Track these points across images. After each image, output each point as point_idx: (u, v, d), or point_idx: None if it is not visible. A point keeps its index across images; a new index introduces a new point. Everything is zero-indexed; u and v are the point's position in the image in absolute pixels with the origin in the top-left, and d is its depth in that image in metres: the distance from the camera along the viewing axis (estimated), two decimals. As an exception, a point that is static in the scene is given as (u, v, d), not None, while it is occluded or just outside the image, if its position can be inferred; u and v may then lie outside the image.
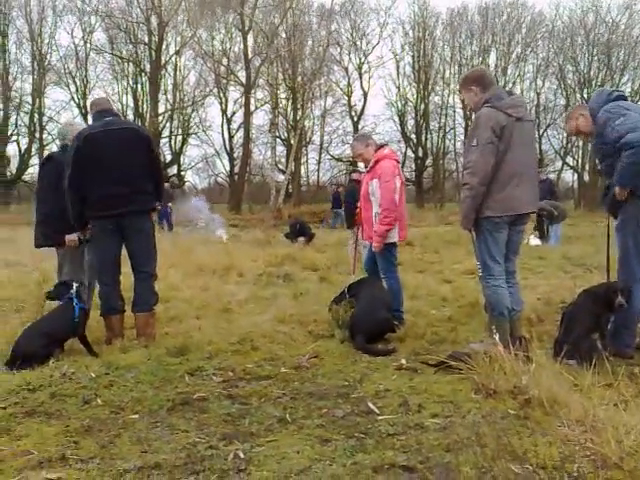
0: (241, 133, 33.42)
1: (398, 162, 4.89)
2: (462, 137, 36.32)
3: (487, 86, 3.85)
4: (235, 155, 35.06)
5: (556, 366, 3.02)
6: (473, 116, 4.23)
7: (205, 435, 2.64)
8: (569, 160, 35.20)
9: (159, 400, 3.09)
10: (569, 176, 37.44)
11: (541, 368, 3.00)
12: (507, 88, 32.73)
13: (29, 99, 32.28)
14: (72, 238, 4.52)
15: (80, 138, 4.26)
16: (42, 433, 2.69)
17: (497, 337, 3.28)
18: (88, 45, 32.84)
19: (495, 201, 3.73)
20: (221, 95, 34.50)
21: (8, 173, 31.70)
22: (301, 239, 13.31)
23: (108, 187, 4.22)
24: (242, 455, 2.40)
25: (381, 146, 4.90)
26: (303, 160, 36.49)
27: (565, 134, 32.80)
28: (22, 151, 32.42)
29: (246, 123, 31.03)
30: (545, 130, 34.11)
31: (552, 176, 14.31)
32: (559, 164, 35.24)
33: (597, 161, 4.13)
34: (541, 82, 35.17)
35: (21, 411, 2.98)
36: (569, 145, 34.56)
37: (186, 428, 2.73)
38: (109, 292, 4.37)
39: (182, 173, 35.07)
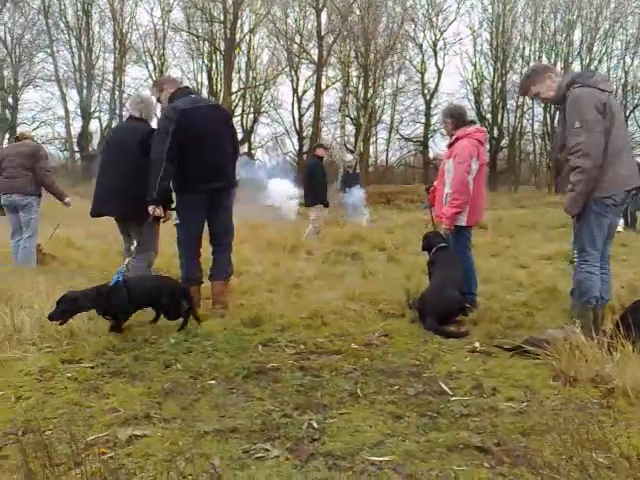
0: (311, 112, 33.54)
1: (481, 142, 4.56)
2: (540, 117, 34.86)
3: (558, 72, 3.73)
4: (304, 134, 35.25)
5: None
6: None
7: (279, 404, 2.70)
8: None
9: (235, 368, 3.19)
10: (657, 160, 35.10)
11: (626, 357, 2.86)
12: (593, 66, 30.97)
13: (110, 77, 33.73)
14: (159, 212, 4.40)
15: (178, 112, 4.27)
16: (127, 393, 2.84)
17: (579, 324, 3.15)
18: (166, 24, 33.82)
19: (604, 181, 3.57)
20: (293, 73, 34.68)
21: (90, 148, 33.39)
22: None
23: (206, 162, 4.31)
24: (316, 425, 2.44)
25: (468, 123, 4.65)
26: (372, 140, 36.19)
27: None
28: (103, 127, 34.00)
29: (316, 102, 31.11)
30: (632, 111, 32.06)
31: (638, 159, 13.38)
32: (647, 147, 33.11)
33: None
34: (630, 60, 33.00)
35: (107, 371, 3.16)
36: (659, 127, 32.37)
37: (261, 396, 2.81)
38: (192, 264, 4.50)
39: (252, 152, 35.68)
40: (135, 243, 4.31)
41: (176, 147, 4.21)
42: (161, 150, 4.20)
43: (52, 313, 3.63)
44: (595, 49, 33.16)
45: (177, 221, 4.55)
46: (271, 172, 14.88)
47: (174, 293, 4.04)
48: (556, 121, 31.76)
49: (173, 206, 4.57)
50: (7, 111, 31.88)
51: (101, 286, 3.96)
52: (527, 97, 4.15)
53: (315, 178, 10.57)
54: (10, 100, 32.17)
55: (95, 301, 3.80)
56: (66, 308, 3.66)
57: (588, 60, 32.65)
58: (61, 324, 3.66)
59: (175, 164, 4.24)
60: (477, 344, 3.65)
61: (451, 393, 2.85)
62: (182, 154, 4.24)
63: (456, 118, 4.67)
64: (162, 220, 4.65)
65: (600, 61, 32.83)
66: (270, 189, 12.88)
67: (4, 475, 2.04)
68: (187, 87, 4.54)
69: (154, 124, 4.88)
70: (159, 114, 4.77)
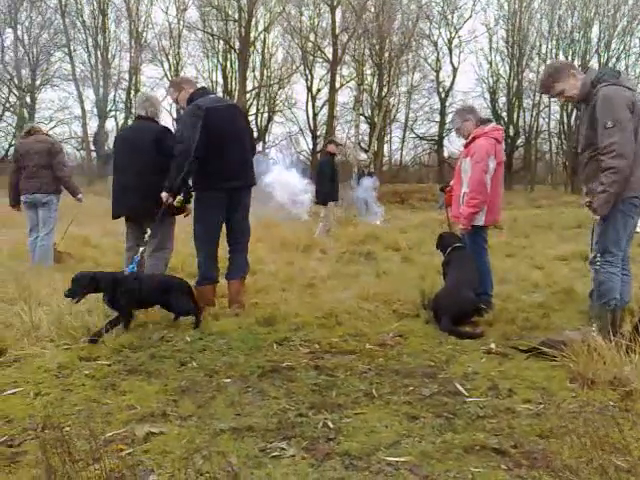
0: (325, 111, 33.53)
1: (498, 141, 4.54)
2: (557, 116, 34.49)
3: (579, 70, 3.68)
4: (318, 133, 35.24)
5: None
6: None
7: (294, 403, 2.71)
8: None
9: (250, 366, 3.21)
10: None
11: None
12: (611, 63, 30.54)
13: (126, 76, 33.99)
14: (172, 201, 4.39)
15: (203, 110, 4.27)
16: (144, 390, 2.87)
17: (597, 326, 3.12)
18: (181, 22, 33.99)
19: (632, 181, 3.52)
20: (307, 72, 34.70)
21: (106, 147, 33.68)
22: None
23: (226, 161, 4.33)
24: (331, 425, 2.44)
25: (485, 121, 4.63)
26: (386, 138, 36.08)
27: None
28: (119, 126, 34.22)
29: (331, 100, 31.09)
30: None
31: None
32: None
33: None
34: (649, 57, 32.55)
35: (124, 369, 3.19)
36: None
37: (276, 395, 2.82)
38: (210, 263, 4.52)
39: (266, 151, 35.74)
40: (149, 231, 4.36)
41: (203, 145, 4.22)
42: (188, 145, 4.19)
43: (68, 291, 3.69)
44: (613, 46, 32.82)
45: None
46: (274, 167, 12.82)
47: (181, 289, 4.09)
48: (572, 120, 31.45)
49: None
50: (25, 110, 32.26)
51: (119, 273, 4.02)
52: (548, 95, 4.09)
53: (326, 176, 10.53)
54: (28, 99, 32.55)
55: (108, 286, 3.84)
56: (82, 285, 3.73)
57: (606, 57, 32.27)
58: (77, 302, 3.74)
59: (197, 161, 4.26)
60: (493, 345, 3.63)
61: (467, 394, 2.83)
62: (210, 151, 4.26)
63: (475, 116, 4.68)
64: (184, 215, 4.70)
65: (618, 58, 32.44)
66: (273, 181, 11.45)
67: (24, 470, 2.07)
68: (205, 87, 4.61)
69: (163, 122, 4.94)
70: (174, 114, 4.82)
